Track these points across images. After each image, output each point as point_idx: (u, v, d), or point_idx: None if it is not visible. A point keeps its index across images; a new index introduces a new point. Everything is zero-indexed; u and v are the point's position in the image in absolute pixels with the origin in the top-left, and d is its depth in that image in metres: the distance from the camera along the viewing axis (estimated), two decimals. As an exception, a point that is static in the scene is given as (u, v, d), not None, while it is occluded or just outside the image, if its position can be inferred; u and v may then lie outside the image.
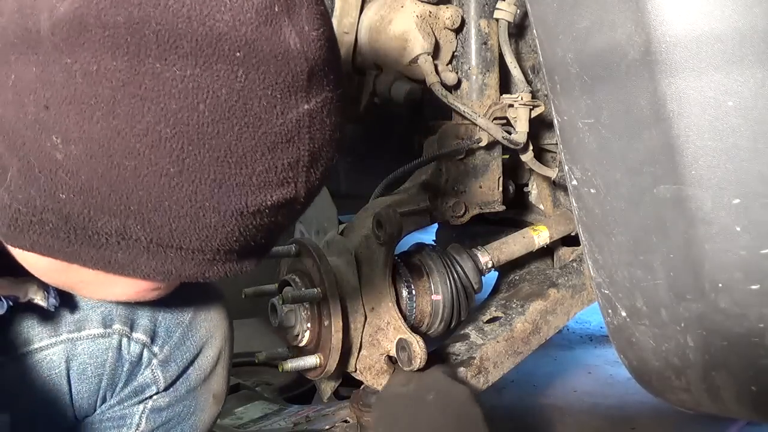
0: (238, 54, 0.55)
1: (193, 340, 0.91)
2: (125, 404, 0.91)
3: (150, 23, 0.54)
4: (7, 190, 0.60)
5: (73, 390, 0.87)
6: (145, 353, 0.89)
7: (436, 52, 1.21)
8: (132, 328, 0.88)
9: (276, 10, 0.56)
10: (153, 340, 0.89)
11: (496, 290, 1.49)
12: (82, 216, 0.60)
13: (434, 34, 1.21)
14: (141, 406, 0.91)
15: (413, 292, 1.19)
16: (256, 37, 0.55)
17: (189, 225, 0.60)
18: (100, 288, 0.70)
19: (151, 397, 0.91)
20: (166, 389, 0.91)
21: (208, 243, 0.62)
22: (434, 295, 1.22)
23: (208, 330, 0.92)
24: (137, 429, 0.91)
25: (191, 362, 0.92)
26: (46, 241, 0.63)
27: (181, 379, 0.92)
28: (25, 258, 0.67)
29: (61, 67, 0.55)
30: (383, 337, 1.17)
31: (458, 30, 1.23)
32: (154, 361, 0.90)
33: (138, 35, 0.54)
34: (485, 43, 1.22)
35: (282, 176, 0.60)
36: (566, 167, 0.61)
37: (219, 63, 0.54)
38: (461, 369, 1.28)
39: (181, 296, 0.80)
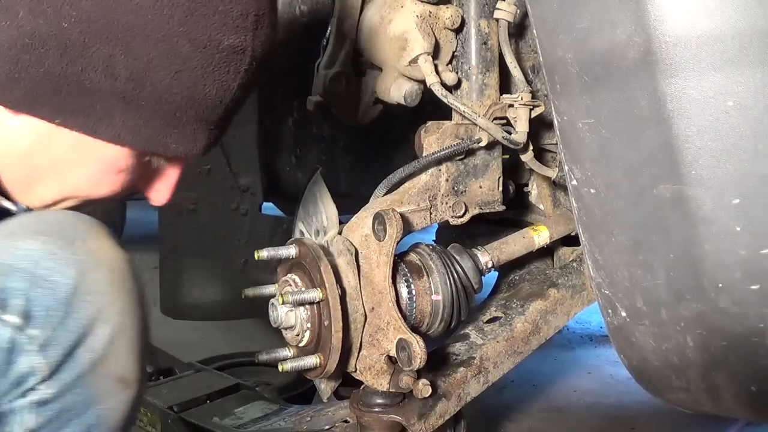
0: None
1: (78, 317, 0.76)
2: (4, 400, 0.77)
3: None
4: (17, 27, 0.70)
5: None
6: (20, 338, 0.75)
7: (436, 52, 1.21)
8: (1, 310, 0.76)
9: None
10: (28, 321, 0.75)
11: (496, 290, 1.49)
12: (78, 43, 0.71)
13: (434, 34, 1.21)
14: (23, 401, 0.76)
15: (413, 292, 1.19)
16: None
17: (164, 53, 0.72)
18: (66, 170, 0.80)
19: (33, 388, 0.77)
20: (50, 378, 0.77)
21: (177, 81, 0.73)
22: (434, 295, 1.22)
23: (98, 303, 0.76)
24: (22, 427, 0.77)
25: (78, 343, 0.77)
26: (39, 88, 0.73)
27: (67, 364, 0.77)
28: (4, 136, 0.77)
29: None
30: (383, 337, 1.17)
31: (458, 30, 1.22)
32: (32, 346, 0.76)
33: None
34: (485, 43, 1.22)
35: (236, 23, 0.74)
36: (566, 167, 0.61)
37: None
38: (461, 369, 1.28)
39: (62, 261, 0.73)
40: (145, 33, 0.71)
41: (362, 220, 1.18)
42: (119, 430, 0.81)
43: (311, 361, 1.13)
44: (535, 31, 0.61)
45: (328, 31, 1.33)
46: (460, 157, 1.23)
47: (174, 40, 0.72)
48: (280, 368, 1.11)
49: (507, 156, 1.30)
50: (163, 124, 0.77)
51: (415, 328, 1.20)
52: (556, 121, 0.61)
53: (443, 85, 1.20)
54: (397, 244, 1.19)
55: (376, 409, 1.22)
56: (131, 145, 0.78)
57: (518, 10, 1.17)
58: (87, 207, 0.84)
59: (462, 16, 1.22)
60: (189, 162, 0.86)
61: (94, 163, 0.80)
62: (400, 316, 1.16)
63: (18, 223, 0.77)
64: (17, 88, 0.73)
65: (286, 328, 1.15)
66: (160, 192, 0.88)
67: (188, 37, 0.72)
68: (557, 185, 1.36)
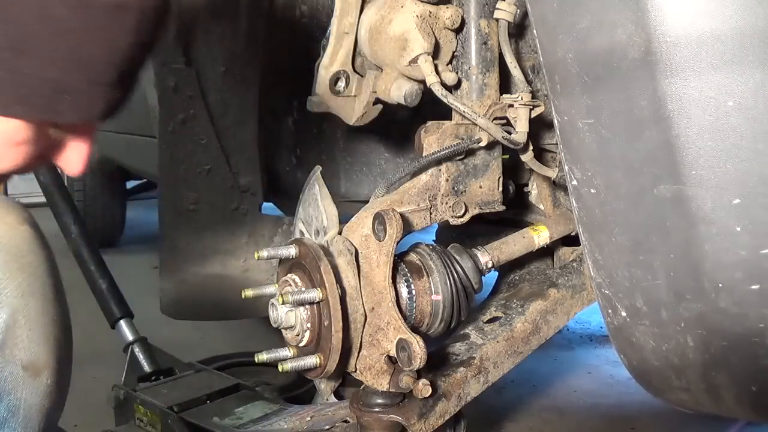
0: None
1: None
2: None
3: None
4: None
5: None
6: None
7: (436, 52, 1.21)
8: None
9: None
10: None
11: (496, 290, 1.49)
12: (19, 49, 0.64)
13: (434, 34, 1.21)
14: None
15: (413, 292, 1.19)
16: None
17: (39, 17, 0.65)
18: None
19: None
20: None
21: (58, 42, 0.66)
22: (434, 295, 1.22)
23: None
24: None
25: None
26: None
27: None
28: None
29: None
30: (383, 337, 1.17)
31: (458, 30, 1.22)
32: None
33: None
34: (485, 43, 1.22)
35: None
36: (566, 167, 0.61)
37: None
38: (461, 369, 1.28)
39: None
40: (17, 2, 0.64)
41: (362, 220, 1.18)
42: (41, 420, 0.72)
43: (311, 361, 1.13)
44: (535, 31, 0.61)
45: (328, 30, 1.33)
46: (460, 157, 1.23)
47: (48, 2, 0.65)
48: (280, 368, 1.11)
49: (507, 156, 1.30)
50: (51, 92, 0.70)
51: (415, 328, 1.20)
52: (556, 121, 0.61)
53: (443, 85, 1.20)
54: (397, 244, 1.19)
55: (376, 409, 1.22)
56: (22, 116, 0.71)
57: (518, 10, 1.17)
58: None
59: (462, 16, 1.22)
60: (95, 126, 0.80)
61: None
62: (400, 316, 1.16)
63: None
64: None
65: (286, 328, 1.15)
66: (73, 162, 0.80)
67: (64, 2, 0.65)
68: (557, 185, 1.36)
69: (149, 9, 0.71)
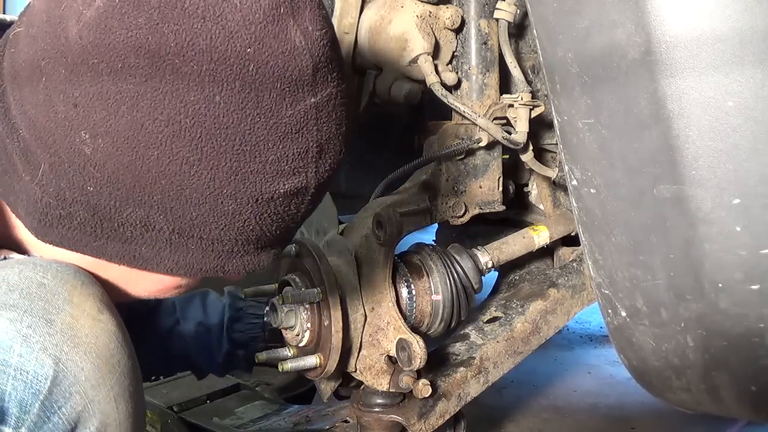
0: (248, 50, 0.59)
1: (61, 414, 0.63)
2: None
3: (168, 23, 0.58)
4: (39, 185, 0.64)
5: None
6: None
7: (436, 52, 1.21)
8: None
9: (282, 11, 0.60)
10: (2, 420, 0.62)
11: (496, 290, 1.49)
12: (108, 207, 0.64)
13: (434, 34, 1.21)
14: None
15: (413, 292, 1.19)
16: (264, 35, 0.59)
17: (208, 212, 0.64)
18: (125, 286, 0.73)
19: None
20: None
21: (226, 232, 0.66)
22: (434, 295, 1.22)
23: (82, 394, 0.63)
24: None
25: None
26: (74, 235, 0.66)
27: None
28: (54, 256, 0.69)
29: (89, 67, 0.59)
30: (383, 337, 1.17)
31: (458, 30, 1.23)
32: None
33: (158, 35, 0.58)
34: (485, 43, 1.22)
35: (293, 165, 0.64)
36: (566, 167, 0.61)
37: (232, 58, 0.58)
38: (461, 369, 1.28)
39: (38, 347, 0.61)
40: (183, 196, 0.62)
41: (362, 220, 1.18)
42: None
43: (311, 361, 1.13)
44: (535, 31, 0.61)
45: (328, 31, 1.32)
46: (460, 157, 1.23)
47: (218, 201, 0.63)
48: (280, 368, 1.11)
49: (507, 156, 1.30)
50: (218, 258, 0.69)
51: (415, 328, 1.20)
52: (556, 121, 0.61)
53: (443, 85, 1.20)
54: (397, 244, 1.19)
55: (376, 409, 1.22)
56: (186, 276, 0.71)
57: (518, 10, 1.17)
58: None
59: (462, 16, 1.22)
60: None
61: (152, 284, 0.73)
62: (400, 316, 1.16)
63: None
64: (52, 234, 0.67)
65: (286, 328, 1.15)
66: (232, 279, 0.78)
67: (235, 196, 0.63)
68: (557, 185, 1.36)
69: (327, 179, 0.69)
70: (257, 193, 0.64)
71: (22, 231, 0.71)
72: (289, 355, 1.16)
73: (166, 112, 0.59)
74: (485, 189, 1.26)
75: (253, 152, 0.62)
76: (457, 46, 1.24)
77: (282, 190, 0.65)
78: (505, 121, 1.20)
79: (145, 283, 0.72)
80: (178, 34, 0.58)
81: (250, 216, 0.65)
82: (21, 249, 0.73)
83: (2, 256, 0.70)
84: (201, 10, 0.58)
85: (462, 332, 1.35)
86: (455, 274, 1.21)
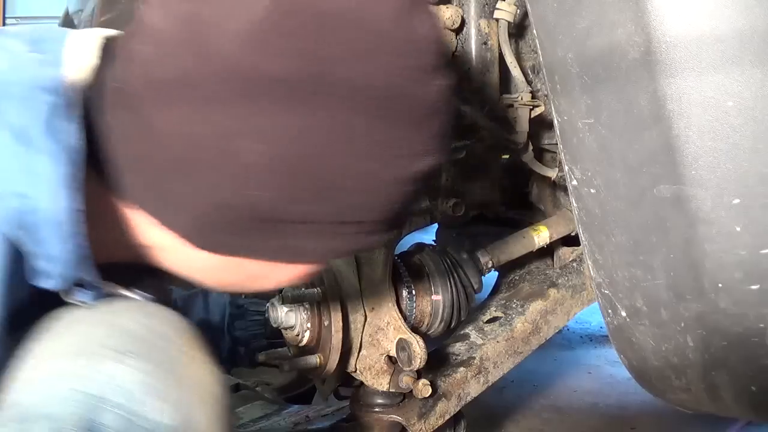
0: (391, 44, 0.64)
1: None
2: None
3: (323, 42, 0.62)
4: (200, 195, 0.66)
5: None
6: None
7: (436, 52, 1.21)
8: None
9: (409, 7, 0.66)
10: None
11: (496, 290, 1.49)
12: (270, 208, 0.66)
13: (434, 34, 1.20)
14: None
15: (413, 292, 1.19)
16: (402, 27, 0.65)
17: (364, 199, 0.68)
18: (256, 281, 0.76)
19: None
20: None
21: (377, 214, 0.71)
22: (434, 296, 1.22)
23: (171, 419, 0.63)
24: None
25: None
26: (232, 239, 0.69)
27: None
28: (192, 263, 0.73)
29: (247, 83, 0.62)
30: (383, 337, 1.17)
31: (458, 30, 1.22)
32: None
33: (315, 55, 0.62)
34: (485, 43, 1.22)
35: (430, 146, 0.68)
36: (566, 167, 0.61)
37: (380, 53, 0.63)
38: (461, 369, 1.28)
39: (162, 397, 0.62)
40: (343, 188, 0.67)
41: (362, 220, 1.18)
42: None
43: (311, 361, 1.13)
44: (535, 31, 0.61)
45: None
46: (460, 157, 1.23)
47: (373, 187, 0.68)
48: (280, 368, 1.11)
49: (507, 156, 1.30)
50: (361, 239, 0.73)
51: (415, 328, 1.20)
52: (556, 121, 0.61)
53: (443, 85, 1.19)
54: (397, 244, 1.19)
55: (376, 409, 1.22)
56: (323, 261, 0.76)
57: (518, 10, 1.17)
58: None
59: (462, 16, 1.22)
60: None
61: (288, 274, 0.76)
62: (400, 316, 1.16)
63: (95, 334, 0.65)
64: (209, 240, 0.70)
65: (286, 328, 1.15)
66: None
67: (386, 181, 0.68)
68: (557, 185, 1.36)
69: (438, 169, 0.76)
70: (405, 175, 0.68)
71: (154, 238, 0.72)
72: (289, 355, 1.16)
73: (325, 111, 0.63)
74: (485, 189, 1.26)
75: (403, 137, 0.66)
76: (457, 46, 1.23)
77: (422, 170, 0.69)
78: (505, 121, 1.20)
79: (281, 275, 0.76)
80: (338, 31, 0.62)
81: (396, 197, 0.70)
82: (141, 256, 0.75)
83: (107, 290, 0.71)
84: (352, 11, 0.62)
85: (462, 332, 1.35)
86: (455, 274, 1.21)
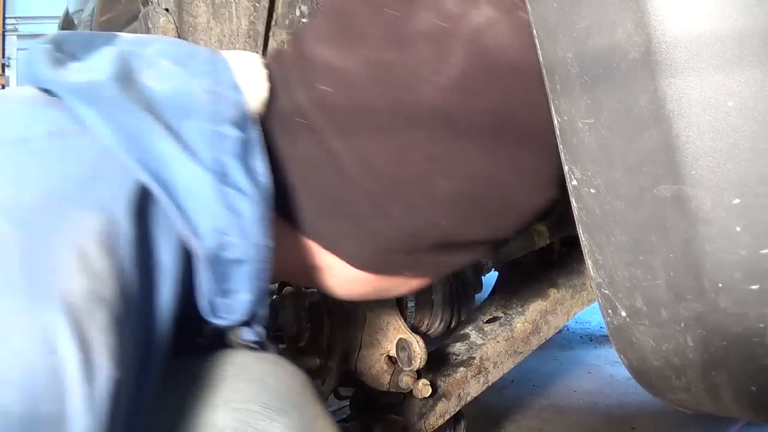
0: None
1: None
2: None
3: (515, 91, 0.68)
4: (393, 227, 0.72)
5: None
6: None
7: (436, 52, 1.21)
8: None
9: None
10: None
11: (496, 290, 1.49)
12: (446, 233, 0.73)
13: (434, 34, 1.20)
14: None
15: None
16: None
17: (514, 222, 0.76)
18: (392, 291, 0.82)
19: None
20: None
21: (510, 233, 0.78)
22: (434, 295, 1.22)
23: None
24: None
25: None
26: (401, 261, 0.76)
27: None
28: (345, 281, 0.77)
29: (450, 126, 0.67)
30: (383, 337, 1.17)
31: (458, 30, 1.22)
32: None
33: (508, 101, 0.68)
34: (485, 43, 1.22)
35: (546, 182, 0.74)
36: (566, 167, 0.61)
37: (543, 97, 0.65)
38: (461, 369, 1.28)
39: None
40: (509, 214, 0.75)
41: (362, 220, 1.18)
42: None
43: (311, 361, 1.13)
44: (534, 31, 0.61)
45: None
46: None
47: (523, 208, 0.75)
48: (280, 368, 1.11)
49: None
50: (482, 254, 0.83)
51: (415, 328, 1.20)
52: (555, 121, 0.61)
53: (443, 85, 1.19)
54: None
55: (376, 409, 1.22)
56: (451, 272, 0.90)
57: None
58: None
59: (462, 16, 1.21)
60: None
61: (416, 286, 0.84)
62: (400, 316, 1.16)
63: (250, 390, 0.67)
64: (393, 263, 0.76)
65: (286, 328, 1.15)
66: None
67: (531, 202, 0.75)
68: (557, 185, 1.35)
69: None
70: (543, 202, 0.75)
71: (314, 262, 0.76)
72: (289, 355, 1.16)
73: (506, 158, 0.69)
74: (485, 189, 1.26)
75: (548, 170, 0.72)
76: (457, 46, 1.23)
77: (549, 201, 0.76)
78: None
79: (411, 285, 0.82)
80: (521, 94, 0.67)
81: (530, 220, 0.77)
82: (288, 275, 0.80)
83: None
84: (528, 69, 0.66)
85: (462, 332, 1.35)
86: (455, 275, 1.21)
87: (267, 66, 0.74)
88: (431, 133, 0.68)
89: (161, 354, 0.61)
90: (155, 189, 0.60)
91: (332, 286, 0.79)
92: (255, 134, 0.67)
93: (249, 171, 0.64)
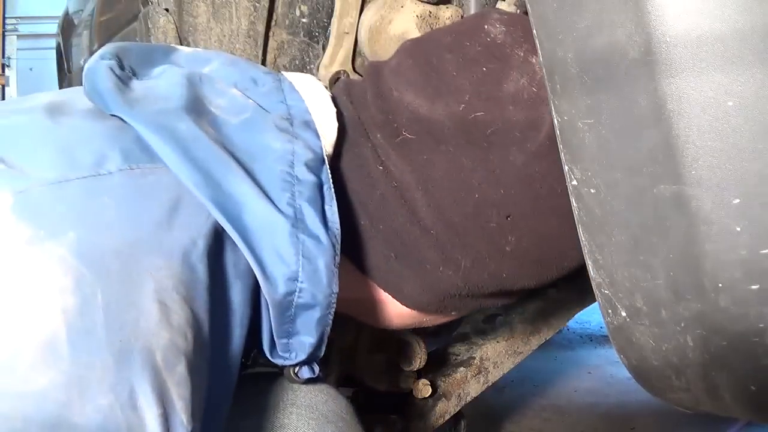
0: None
1: None
2: None
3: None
4: (461, 277, 0.73)
5: None
6: None
7: (436, 52, 1.21)
8: None
9: None
10: None
11: (496, 290, 1.49)
12: (508, 284, 0.76)
13: (434, 34, 1.20)
14: None
15: (413, 292, 1.18)
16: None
17: (560, 271, 0.78)
18: (432, 323, 0.85)
19: None
20: None
21: (554, 281, 0.81)
22: (434, 295, 1.21)
23: None
24: None
25: None
26: (462, 304, 0.78)
27: None
28: (391, 315, 0.79)
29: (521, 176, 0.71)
30: (383, 337, 1.17)
31: (458, 30, 1.22)
32: None
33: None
34: (485, 43, 1.22)
35: None
36: (566, 167, 0.61)
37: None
38: (461, 369, 1.28)
39: None
40: (550, 263, 0.78)
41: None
42: None
43: (311, 361, 1.13)
44: (534, 31, 0.61)
45: (328, 30, 1.33)
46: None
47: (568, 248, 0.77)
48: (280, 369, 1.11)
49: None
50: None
51: (415, 328, 1.20)
52: (556, 121, 0.61)
53: (443, 85, 1.19)
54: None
55: (376, 410, 1.22)
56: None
57: (518, 10, 1.17)
58: None
59: (462, 16, 1.22)
60: None
61: (444, 320, 0.87)
62: (400, 316, 1.15)
63: (312, 427, 0.73)
64: (455, 306, 0.79)
65: (286, 328, 1.15)
66: None
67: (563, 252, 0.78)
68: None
69: None
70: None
71: (369, 294, 0.78)
72: (289, 355, 1.16)
73: (572, 222, 0.67)
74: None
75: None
76: (457, 46, 1.23)
77: None
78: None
79: (443, 320, 0.85)
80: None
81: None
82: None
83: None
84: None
85: (462, 332, 1.35)
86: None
87: (335, 99, 0.72)
88: (512, 195, 0.70)
89: (230, 391, 0.62)
90: (231, 232, 0.58)
91: (376, 318, 0.80)
92: (328, 178, 0.65)
93: (323, 217, 0.63)
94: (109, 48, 0.68)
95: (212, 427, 0.59)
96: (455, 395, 1.27)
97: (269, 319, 0.64)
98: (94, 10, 1.67)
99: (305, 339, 0.66)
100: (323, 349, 0.69)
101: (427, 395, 1.18)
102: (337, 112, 0.71)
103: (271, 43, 1.26)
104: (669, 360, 0.59)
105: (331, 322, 0.66)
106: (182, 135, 0.60)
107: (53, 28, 2.45)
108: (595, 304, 0.80)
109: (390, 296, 0.76)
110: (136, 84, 0.65)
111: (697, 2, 0.50)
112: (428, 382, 1.18)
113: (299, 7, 1.75)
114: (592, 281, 0.64)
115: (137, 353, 0.49)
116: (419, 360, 1.13)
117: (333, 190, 0.65)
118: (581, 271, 0.67)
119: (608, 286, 0.61)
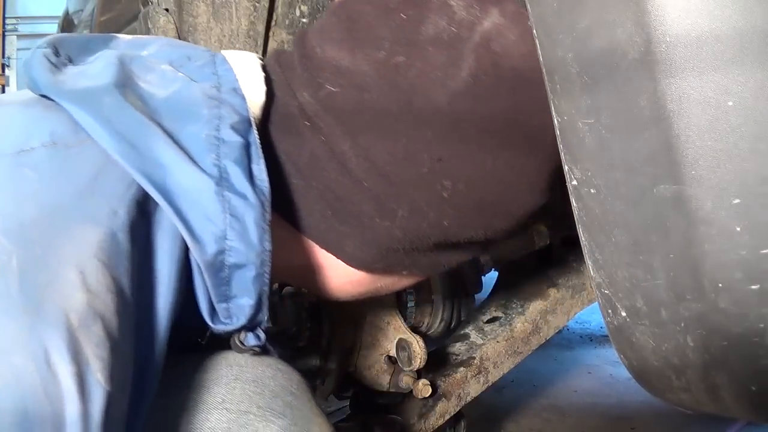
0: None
1: None
2: None
3: (519, 80, 0.69)
4: (397, 227, 0.72)
5: None
6: None
7: (436, 52, 1.21)
8: None
9: None
10: None
11: (496, 290, 1.49)
12: (451, 234, 0.74)
13: (434, 34, 1.20)
14: None
15: (413, 292, 1.19)
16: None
17: (508, 224, 0.77)
18: (384, 290, 0.83)
19: None
20: None
21: (502, 235, 0.79)
22: (434, 295, 1.22)
23: None
24: None
25: None
26: (401, 261, 0.76)
27: None
28: (342, 281, 0.78)
29: (459, 131, 0.68)
30: (383, 337, 1.17)
31: (458, 30, 1.22)
32: None
33: (516, 104, 0.70)
34: (485, 43, 1.22)
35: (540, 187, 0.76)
36: (566, 167, 0.61)
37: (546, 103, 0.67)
38: (461, 369, 1.28)
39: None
40: (502, 212, 0.76)
41: (362, 220, 1.18)
42: None
43: (311, 361, 1.13)
44: (534, 31, 0.61)
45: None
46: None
47: (522, 213, 0.77)
48: (280, 368, 1.11)
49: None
50: (473, 254, 0.84)
51: (415, 328, 1.20)
52: (556, 121, 0.61)
53: (443, 85, 1.19)
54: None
55: (376, 410, 1.22)
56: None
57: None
58: None
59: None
60: None
61: (407, 284, 0.86)
62: (400, 316, 1.15)
63: (247, 392, 0.69)
64: (384, 262, 0.76)
65: (285, 329, 1.15)
66: None
67: (524, 206, 0.77)
68: (557, 185, 1.35)
69: None
70: (538, 204, 0.76)
71: (312, 261, 0.76)
72: (290, 355, 1.16)
73: (509, 161, 0.70)
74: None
75: (546, 175, 0.74)
76: (457, 46, 1.23)
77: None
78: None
79: (404, 283, 0.84)
80: (526, 104, 0.69)
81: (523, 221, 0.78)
82: (284, 277, 0.81)
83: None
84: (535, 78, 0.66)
85: (462, 332, 1.35)
86: (455, 274, 1.21)
87: (265, 67, 0.74)
88: (440, 136, 0.68)
89: (159, 361, 0.61)
90: (156, 196, 0.60)
91: (327, 286, 0.79)
92: (255, 138, 0.66)
93: (250, 176, 0.64)
94: (47, 39, 0.70)
95: (139, 397, 0.58)
96: (455, 395, 1.27)
97: (205, 285, 0.63)
98: (94, 10, 1.67)
99: (243, 301, 0.65)
100: (265, 312, 0.68)
101: (427, 395, 1.18)
102: (266, 78, 0.72)
103: (271, 43, 1.26)
104: (669, 360, 0.59)
105: (268, 281, 0.65)
106: (107, 107, 0.61)
107: (53, 28, 2.45)
108: (595, 304, 0.80)
109: (336, 259, 0.75)
110: (70, 69, 0.67)
111: (697, 2, 0.50)
112: (428, 382, 1.18)
113: (299, 7, 1.75)
114: (592, 281, 0.64)
115: (51, 312, 0.50)
116: (419, 360, 1.13)
117: (261, 149, 0.66)
118: (580, 268, 0.67)
119: (608, 286, 0.60)
